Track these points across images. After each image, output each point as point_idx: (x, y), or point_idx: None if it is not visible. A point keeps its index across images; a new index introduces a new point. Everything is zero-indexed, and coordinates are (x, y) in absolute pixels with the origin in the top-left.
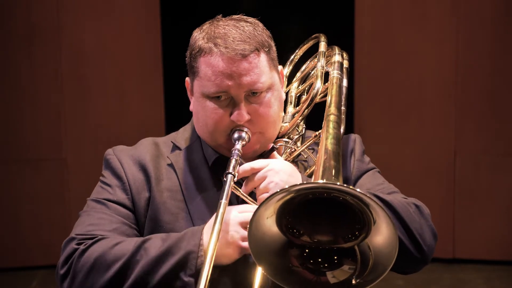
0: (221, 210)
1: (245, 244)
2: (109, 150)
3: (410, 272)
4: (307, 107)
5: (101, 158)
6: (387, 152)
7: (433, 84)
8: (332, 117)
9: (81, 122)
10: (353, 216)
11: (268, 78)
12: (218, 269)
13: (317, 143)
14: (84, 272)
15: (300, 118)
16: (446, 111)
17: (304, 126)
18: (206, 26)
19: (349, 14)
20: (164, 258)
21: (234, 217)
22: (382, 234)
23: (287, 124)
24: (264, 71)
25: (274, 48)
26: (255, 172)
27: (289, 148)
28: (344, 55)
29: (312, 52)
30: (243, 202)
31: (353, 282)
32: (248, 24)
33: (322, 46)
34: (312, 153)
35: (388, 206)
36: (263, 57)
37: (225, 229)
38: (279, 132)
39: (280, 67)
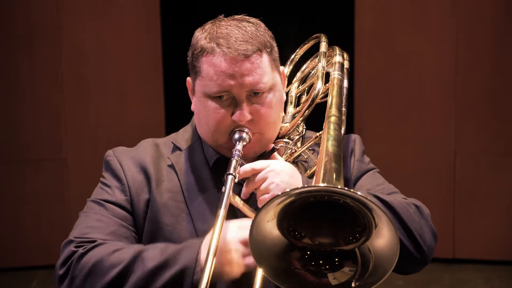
0: (218, 223)
1: (248, 261)
2: (109, 151)
3: (410, 272)
4: (307, 108)
5: (101, 158)
6: (387, 152)
7: (433, 84)
8: (333, 119)
9: (81, 122)
10: (354, 219)
11: (270, 78)
12: None
13: (317, 144)
14: (81, 276)
15: (301, 119)
16: (446, 111)
17: (304, 126)
18: (208, 26)
19: (349, 14)
20: (160, 271)
21: (234, 234)
22: (383, 238)
23: (287, 124)
24: (266, 71)
25: (276, 49)
26: (256, 173)
27: (290, 149)
28: (345, 55)
29: (312, 52)
30: (244, 202)
31: (354, 284)
32: (250, 24)
33: (323, 47)
34: (312, 154)
35: (388, 206)
36: (265, 58)
37: (225, 248)
38: (279, 133)
39: (281, 67)
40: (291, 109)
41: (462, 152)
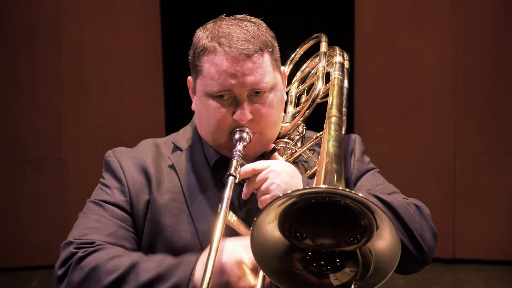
0: (214, 244)
1: (243, 284)
2: (109, 151)
3: (410, 272)
4: (308, 108)
5: (101, 158)
6: (387, 152)
7: (433, 84)
8: (333, 119)
9: (81, 122)
10: (355, 220)
11: (271, 78)
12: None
13: (317, 144)
14: (79, 280)
15: (301, 119)
16: (446, 111)
17: (304, 127)
18: (209, 25)
19: (349, 14)
20: (153, 284)
21: (231, 255)
22: (385, 239)
23: (287, 124)
24: (268, 71)
25: (277, 49)
26: (256, 173)
27: (290, 149)
28: (345, 55)
29: (313, 51)
30: (245, 202)
31: (355, 285)
32: (252, 24)
33: (323, 47)
34: (312, 154)
35: (388, 206)
36: (266, 57)
37: (221, 270)
38: (280, 133)
39: (282, 67)
40: (291, 109)
41: (462, 152)
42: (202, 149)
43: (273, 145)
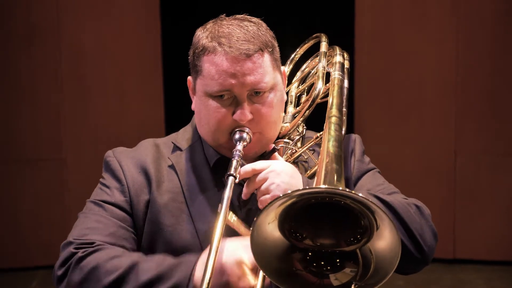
0: (214, 244)
1: (243, 284)
2: (109, 152)
3: (410, 272)
4: (308, 108)
5: (101, 158)
6: (387, 152)
7: (433, 84)
8: (333, 119)
9: (81, 122)
10: (355, 220)
11: (271, 78)
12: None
13: (317, 144)
14: (79, 280)
15: (301, 119)
16: (446, 111)
17: (304, 127)
18: (209, 25)
19: (349, 14)
20: (153, 285)
21: (231, 256)
22: (385, 240)
23: (287, 124)
24: (268, 71)
25: (277, 49)
26: (256, 173)
27: (290, 149)
28: (345, 55)
29: (313, 51)
30: (245, 202)
31: (355, 285)
32: (252, 24)
33: (323, 46)
34: (312, 154)
35: (388, 206)
36: (266, 57)
37: (221, 270)
38: (280, 133)
39: (282, 67)
40: (291, 109)
41: (462, 152)
42: (202, 149)
43: (273, 145)
